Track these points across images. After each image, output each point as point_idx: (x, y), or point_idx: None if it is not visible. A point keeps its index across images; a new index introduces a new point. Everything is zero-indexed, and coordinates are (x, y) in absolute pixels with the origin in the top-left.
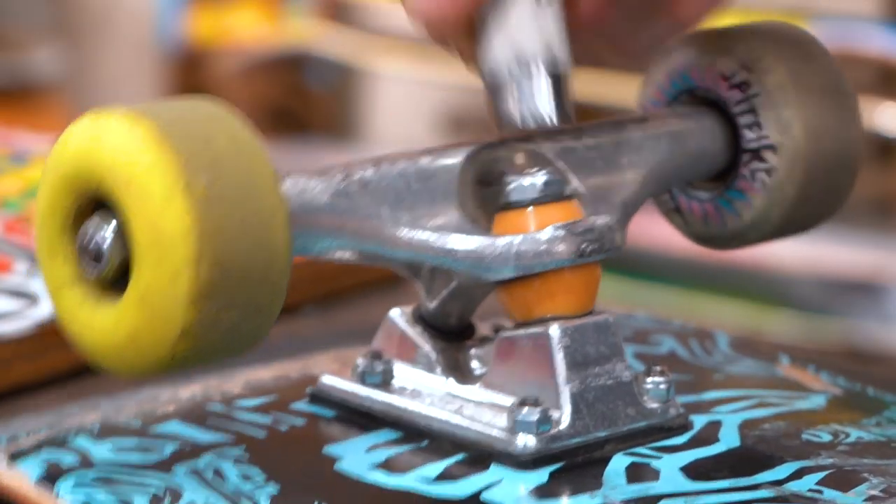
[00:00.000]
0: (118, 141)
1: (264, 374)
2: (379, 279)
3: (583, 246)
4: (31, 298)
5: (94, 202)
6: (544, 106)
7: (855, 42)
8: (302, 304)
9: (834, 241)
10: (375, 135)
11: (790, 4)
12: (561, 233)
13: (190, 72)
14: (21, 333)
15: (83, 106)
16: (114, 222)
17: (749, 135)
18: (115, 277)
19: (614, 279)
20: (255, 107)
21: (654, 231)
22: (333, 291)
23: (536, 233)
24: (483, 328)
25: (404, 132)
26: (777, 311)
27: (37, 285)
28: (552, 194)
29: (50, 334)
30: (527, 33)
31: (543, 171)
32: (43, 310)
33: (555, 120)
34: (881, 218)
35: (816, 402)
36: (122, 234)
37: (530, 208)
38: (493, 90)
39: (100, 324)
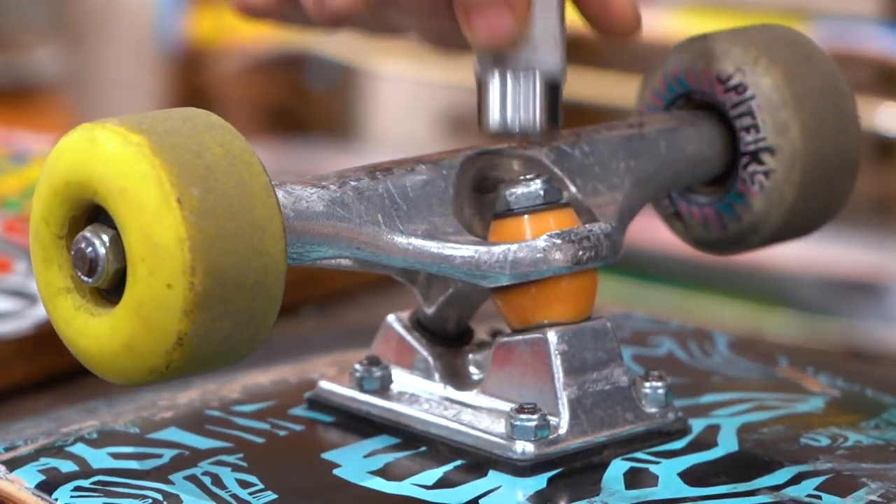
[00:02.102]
0: (112, 152)
1: (263, 378)
2: (378, 279)
3: (579, 254)
4: (30, 298)
5: (89, 211)
6: (534, 111)
7: (855, 42)
8: (301, 304)
9: (834, 241)
10: (375, 135)
11: (790, 4)
12: (557, 240)
13: (190, 72)
14: (21, 333)
15: (83, 106)
16: (109, 232)
17: (747, 137)
18: (110, 286)
19: (614, 279)
20: (255, 107)
21: (654, 231)
22: (333, 291)
23: (533, 240)
24: (480, 333)
25: (404, 132)
26: (777, 311)
27: (36, 285)
28: (549, 202)
29: (49, 334)
30: (541, 36)
31: (540, 179)
32: (42, 310)
33: (542, 126)
34: (881, 218)
35: (815, 404)
36: (117, 245)
37: (527, 216)
38: (486, 88)
39: (94, 332)
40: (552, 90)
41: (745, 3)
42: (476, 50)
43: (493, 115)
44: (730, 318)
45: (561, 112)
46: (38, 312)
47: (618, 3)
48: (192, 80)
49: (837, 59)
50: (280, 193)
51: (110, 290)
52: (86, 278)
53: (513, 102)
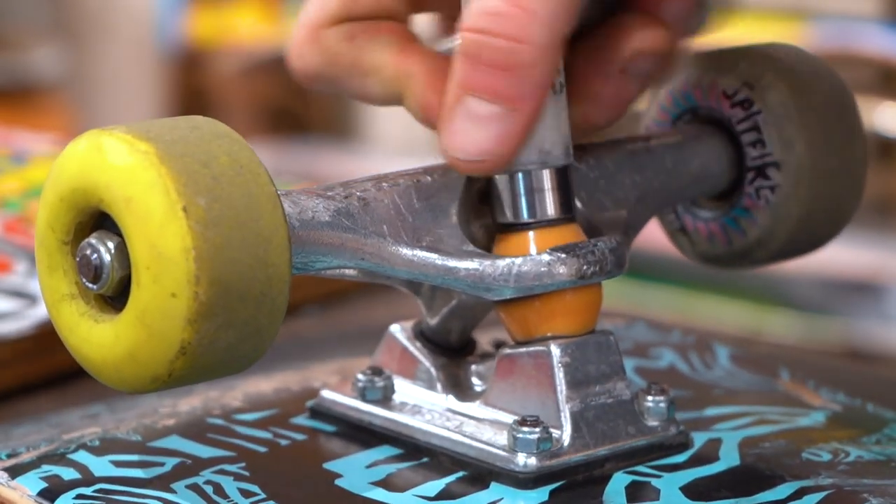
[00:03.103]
0: (119, 160)
1: (265, 386)
2: None
3: (584, 268)
4: (30, 298)
5: (94, 218)
6: (551, 200)
7: (855, 42)
8: (302, 304)
9: (834, 241)
10: (375, 135)
11: (790, 4)
12: (562, 255)
13: (190, 72)
14: (21, 334)
15: (83, 106)
16: (115, 240)
17: (752, 152)
18: (115, 293)
19: (615, 280)
20: (255, 107)
21: (654, 232)
22: (333, 291)
23: (537, 254)
24: (483, 344)
25: (404, 132)
26: (777, 311)
27: (36, 286)
28: (554, 216)
29: (49, 335)
30: (549, 127)
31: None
32: (42, 310)
33: (557, 214)
34: (881, 218)
35: (816, 419)
36: (122, 252)
37: (532, 230)
38: (505, 182)
39: (98, 339)
40: (562, 176)
41: (745, 3)
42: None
43: (507, 214)
44: (730, 319)
45: (573, 195)
46: (38, 312)
47: (606, 107)
48: (192, 80)
49: (837, 59)
50: (286, 203)
51: (115, 298)
52: (90, 285)
53: (525, 200)
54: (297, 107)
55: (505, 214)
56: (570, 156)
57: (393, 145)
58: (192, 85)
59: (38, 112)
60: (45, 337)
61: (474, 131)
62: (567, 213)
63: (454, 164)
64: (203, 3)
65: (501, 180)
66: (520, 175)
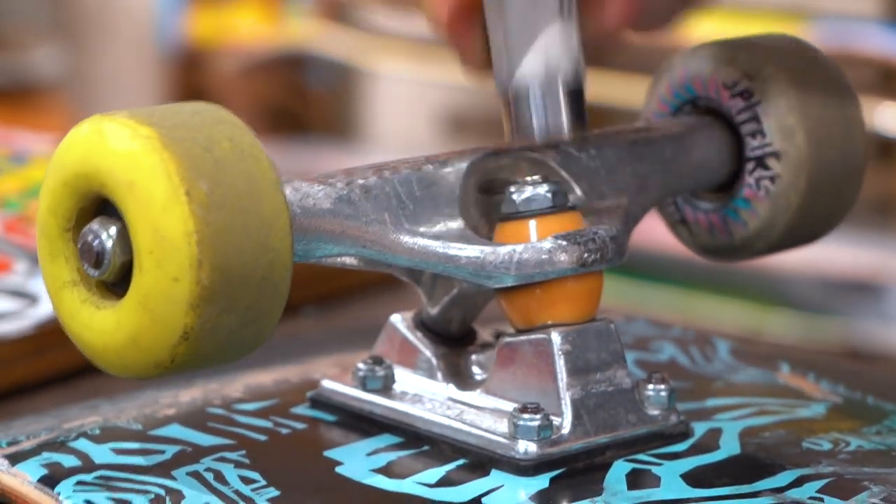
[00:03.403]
0: (121, 145)
1: (265, 377)
2: (379, 279)
3: (584, 256)
4: (30, 298)
5: (96, 204)
6: (563, 120)
7: (855, 42)
8: (302, 304)
9: (834, 241)
10: (375, 135)
11: (790, 4)
12: (563, 242)
13: (190, 72)
14: (21, 333)
15: (83, 106)
16: (116, 225)
17: (752, 142)
18: (116, 279)
19: (614, 279)
20: (255, 107)
21: (655, 232)
22: (333, 291)
23: (538, 242)
24: (484, 334)
25: (404, 132)
26: (777, 311)
27: (36, 285)
28: (555, 204)
29: (50, 334)
30: (556, 47)
31: (547, 182)
32: (43, 310)
33: (569, 134)
34: (881, 218)
35: (817, 410)
36: (124, 237)
37: (533, 218)
38: (515, 101)
39: (100, 325)
40: (576, 96)
41: (745, 3)
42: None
43: (523, 127)
44: (730, 319)
45: (587, 114)
46: (38, 312)
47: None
48: (192, 80)
49: (837, 60)
50: (288, 190)
51: (116, 284)
52: (92, 271)
53: (538, 114)
54: (297, 107)
55: (517, 127)
56: (581, 79)
57: (393, 145)
58: (192, 85)
59: (38, 112)
60: (45, 337)
61: None
62: (580, 128)
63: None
64: (203, 3)
65: (513, 94)
66: (531, 88)
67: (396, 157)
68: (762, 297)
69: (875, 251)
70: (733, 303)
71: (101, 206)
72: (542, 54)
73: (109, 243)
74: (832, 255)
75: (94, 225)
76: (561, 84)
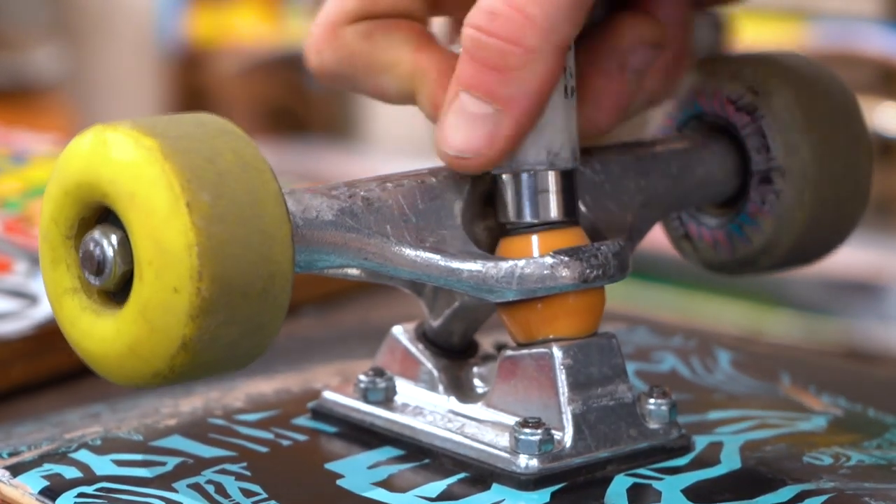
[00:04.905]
0: (124, 155)
1: (265, 387)
2: None
3: (587, 272)
4: (30, 298)
5: (98, 213)
6: (554, 203)
7: (855, 42)
8: (302, 305)
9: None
10: (375, 135)
11: (790, 4)
12: (565, 258)
13: (190, 72)
14: (21, 334)
15: (83, 106)
16: (118, 234)
17: (757, 158)
18: (117, 288)
19: None
20: (255, 107)
21: (655, 232)
22: (333, 292)
23: (540, 257)
24: (485, 346)
25: (404, 132)
26: (777, 311)
27: (36, 285)
28: (559, 219)
29: (50, 335)
30: (558, 129)
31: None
32: (43, 310)
33: (560, 216)
34: (881, 218)
35: (817, 423)
36: (125, 247)
37: (535, 232)
38: (511, 183)
39: (100, 333)
40: (568, 179)
41: (746, 3)
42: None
43: (510, 214)
44: (730, 319)
45: (577, 199)
46: (38, 313)
47: (607, 108)
48: (192, 80)
49: (837, 59)
50: (289, 202)
51: (117, 293)
52: (93, 279)
53: (529, 201)
54: (297, 107)
55: (508, 214)
56: (576, 159)
57: (393, 145)
58: (192, 85)
59: (38, 112)
60: (45, 337)
61: (465, 128)
62: (570, 216)
63: (441, 157)
64: (203, 3)
65: (507, 180)
66: (525, 175)
67: (396, 157)
68: (762, 297)
69: (875, 251)
70: (733, 303)
71: (103, 214)
72: (546, 144)
73: (111, 252)
74: (832, 255)
75: (96, 233)
76: (554, 171)
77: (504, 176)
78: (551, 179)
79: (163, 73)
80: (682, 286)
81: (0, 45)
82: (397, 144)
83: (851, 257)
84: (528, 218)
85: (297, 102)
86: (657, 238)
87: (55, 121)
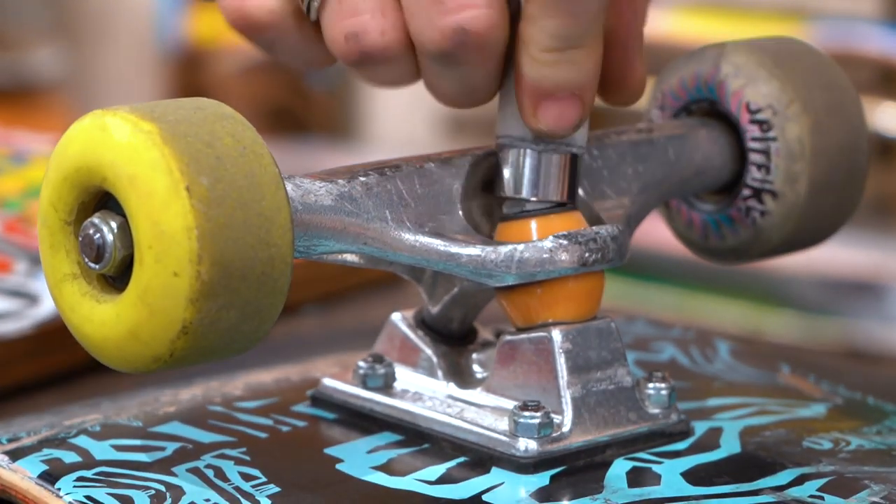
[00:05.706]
0: (123, 139)
1: (265, 376)
2: (379, 279)
3: (585, 255)
4: (30, 298)
5: (97, 198)
6: (557, 182)
7: (855, 42)
8: (302, 304)
9: (834, 241)
10: (375, 135)
11: (790, 4)
12: (564, 241)
13: (190, 72)
14: (21, 333)
15: (83, 106)
16: (117, 219)
17: (755, 173)
18: (116, 273)
19: (614, 279)
20: (255, 107)
21: (655, 231)
22: (333, 291)
23: (539, 241)
24: (484, 332)
25: (404, 132)
26: (777, 311)
27: (36, 285)
28: (557, 204)
29: (50, 334)
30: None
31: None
32: (43, 310)
33: (564, 198)
34: (881, 218)
35: (817, 410)
36: (125, 231)
37: (534, 217)
38: (517, 156)
39: (100, 318)
40: (573, 163)
41: (746, 3)
42: (535, 132)
43: (513, 186)
44: (730, 319)
45: (578, 182)
46: (38, 312)
47: (633, 77)
48: (192, 80)
49: (837, 59)
50: (289, 186)
51: (117, 277)
52: (93, 264)
53: (532, 177)
54: (297, 107)
55: (507, 189)
56: (584, 144)
57: (393, 145)
58: (192, 85)
59: (38, 112)
60: (45, 337)
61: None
62: (572, 200)
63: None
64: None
65: (513, 154)
66: (529, 152)
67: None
68: (762, 297)
69: (875, 251)
70: (733, 303)
71: (102, 199)
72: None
73: (110, 237)
74: (832, 255)
75: (96, 219)
76: (559, 156)
77: (511, 152)
78: (561, 161)
79: (163, 72)
80: (682, 286)
81: (0, 45)
82: (397, 144)
83: (851, 257)
84: (526, 194)
85: (297, 102)
86: (657, 237)
87: (55, 121)
